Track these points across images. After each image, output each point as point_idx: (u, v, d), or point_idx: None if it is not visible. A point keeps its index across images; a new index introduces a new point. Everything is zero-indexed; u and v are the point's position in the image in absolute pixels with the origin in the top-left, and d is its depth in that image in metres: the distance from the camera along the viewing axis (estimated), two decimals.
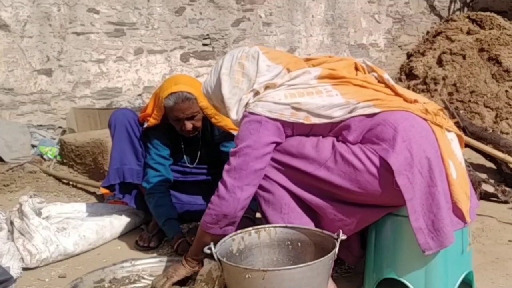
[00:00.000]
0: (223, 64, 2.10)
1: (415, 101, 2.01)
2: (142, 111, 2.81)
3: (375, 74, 2.11)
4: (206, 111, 2.58)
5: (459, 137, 2.08)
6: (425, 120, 1.95)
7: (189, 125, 2.58)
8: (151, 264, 2.30)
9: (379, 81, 2.09)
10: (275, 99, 1.95)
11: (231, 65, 2.07)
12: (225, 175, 1.95)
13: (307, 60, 2.18)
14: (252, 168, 1.92)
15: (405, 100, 2.01)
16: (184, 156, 2.85)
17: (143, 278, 2.26)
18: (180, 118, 2.57)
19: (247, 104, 2.00)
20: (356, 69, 2.14)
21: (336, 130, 1.97)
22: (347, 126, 1.94)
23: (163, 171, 2.74)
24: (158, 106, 2.62)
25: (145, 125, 2.73)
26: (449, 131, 2.01)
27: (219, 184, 1.95)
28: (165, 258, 2.34)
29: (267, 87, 2.01)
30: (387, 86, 2.07)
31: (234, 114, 2.04)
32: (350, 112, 1.93)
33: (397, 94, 2.03)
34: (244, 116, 1.99)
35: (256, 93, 2.01)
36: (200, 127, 2.66)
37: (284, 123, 1.96)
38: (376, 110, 1.93)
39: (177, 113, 2.55)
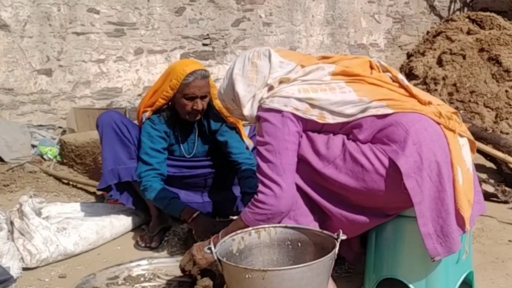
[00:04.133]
0: (235, 66, 2.10)
1: (429, 103, 1.99)
2: (140, 106, 2.82)
3: (389, 74, 2.10)
4: (212, 89, 2.72)
5: (471, 142, 2.05)
6: (438, 124, 1.92)
7: (200, 104, 2.66)
8: (167, 264, 2.30)
9: (393, 81, 2.07)
10: (289, 94, 1.94)
11: (244, 65, 2.07)
12: (272, 174, 1.90)
13: (321, 58, 2.17)
14: (294, 161, 1.93)
15: (419, 101, 1.98)
16: (181, 145, 2.86)
17: (159, 277, 2.25)
18: (196, 95, 2.65)
19: (261, 99, 1.99)
20: (371, 67, 2.12)
21: (347, 128, 1.96)
22: (358, 125, 1.93)
23: (156, 165, 2.70)
24: (169, 86, 2.66)
25: (146, 116, 2.74)
26: (461, 136, 1.98)
27: (270, 183, 1.90)
28: (180, 258, 2.32)
29: (281, 82, 2.00)
30: (401, 86, 2.04)
31: (248, 109, 2.03)
32: (363, 111, 1.92)
33: (411, 95, 2.01)
34: (260, 116, 1.97)
35: (270, 87, 2.00)
36: (204, 110, 2.72)
37: (298, 117, 1.95)
38: (390, 111, 1.91)
39: (193, 90, 2.63)
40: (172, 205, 2.61)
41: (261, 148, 1.94)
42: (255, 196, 1.93)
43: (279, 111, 1.93)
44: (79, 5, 4.80)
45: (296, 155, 1.94)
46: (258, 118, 1.99)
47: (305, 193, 1.98)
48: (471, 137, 2.07)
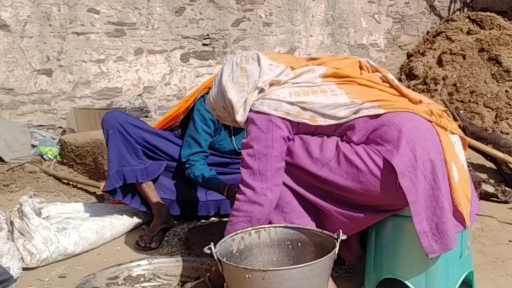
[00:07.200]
0: (223, 73, 2.08)
1: (420, 101, 2.00)
2: (200, 87, 2.85)
3: (379, 74, 2.10)
4: None
5: (462, 139, 2.06)
6: (430, 121, 1.93)
7: None
8: (167, 264, 2.29)
9: (383, 81, 2.08)
10: (280, 97, 1.94)
11: (233, 71, 2.06)
12: (249, 179, 1.90)
13: (310, 59, 2.16)
14: (276, 168, 1.91)
15: (410, 100, 1.99)
16: (233, 137, 2.90)
17: (159, 277, 2.24)
18: None
19: (252, 103, 1.98)
20: (360, 68, 2.12)
21: (340, 130, 1.96)
22: (351, 126, 1.93)
23: (205, 147, 2.81)
24: None
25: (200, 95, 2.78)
26: (453, 133, 1.99)
27: (244, 189, 1.91)
28: (180, 258, 2.33)
29: (271, 85, 2.00)
30: (392, 86, 2.05)
31: (241, 115, 2.01)
32: (355, 113, 1.92)
33: (402, 94, 2.02)
34: (249, 117, 1.97)
35: (261, 90, 1.99)
36: None
37: (290, 121, 1.95)
38: (381, 111, 1.91)
39: None
40: (211, 180, 2.71)
41: (243, 151, 1.95)
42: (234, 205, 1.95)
43: (267, 115, 1.93)
44: (79, 5, 4.80)
45: (280, 161, 1.93)
46: (247, 120, 1.99)
47: (300, 195, 1.98)
48: (462, 134, 2.08)
